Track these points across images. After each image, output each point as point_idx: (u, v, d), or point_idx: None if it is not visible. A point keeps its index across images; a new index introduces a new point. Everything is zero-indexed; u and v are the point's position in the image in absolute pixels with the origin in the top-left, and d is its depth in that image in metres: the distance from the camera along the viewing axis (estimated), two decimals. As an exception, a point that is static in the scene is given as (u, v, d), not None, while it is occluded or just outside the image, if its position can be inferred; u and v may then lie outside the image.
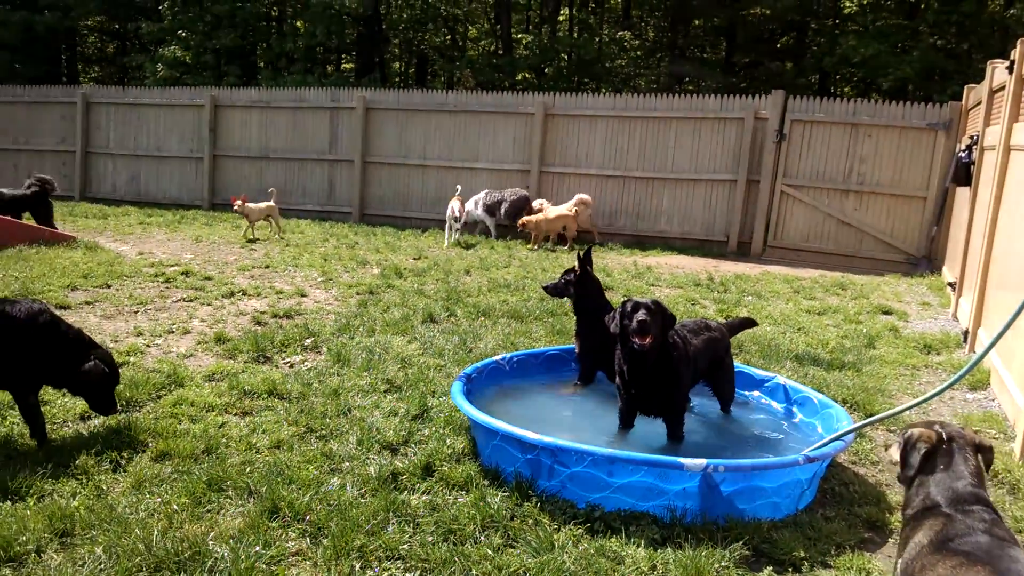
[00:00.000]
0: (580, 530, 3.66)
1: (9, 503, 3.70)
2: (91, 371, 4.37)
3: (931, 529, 2.75)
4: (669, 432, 4.65)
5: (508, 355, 5.65)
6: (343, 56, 31.12)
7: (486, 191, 15.15)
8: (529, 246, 13.68)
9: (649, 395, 4.59)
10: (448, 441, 4.55)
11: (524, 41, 29.83)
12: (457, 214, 13.71)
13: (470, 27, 32.74)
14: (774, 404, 5.45)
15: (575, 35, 28.74)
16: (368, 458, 4.35)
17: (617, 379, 4.68)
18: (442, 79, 33.48)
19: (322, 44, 26.60)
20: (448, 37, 32.18)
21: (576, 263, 5.63)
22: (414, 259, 11.66)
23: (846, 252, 13.85)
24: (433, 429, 4.78)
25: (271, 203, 13.92)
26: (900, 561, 2.82)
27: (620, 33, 29.83)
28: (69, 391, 4.57)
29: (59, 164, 19.50)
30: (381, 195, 16.80)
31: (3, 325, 4.19)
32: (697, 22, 28.89)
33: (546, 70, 27.62)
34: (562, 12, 31.25)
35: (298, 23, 28.39)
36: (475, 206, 14.92)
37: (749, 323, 5.94)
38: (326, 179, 16.88)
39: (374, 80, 25.17)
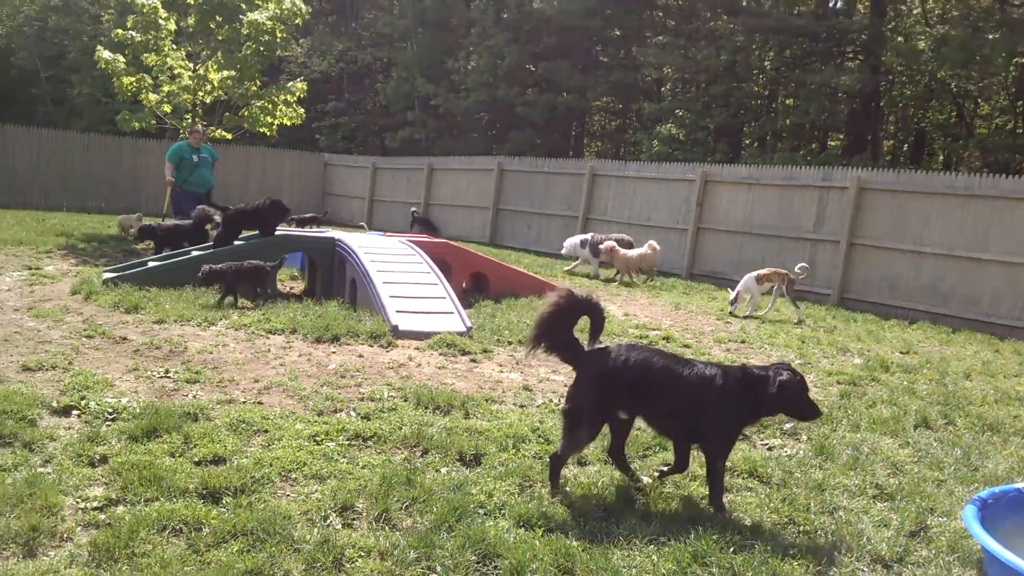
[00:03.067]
0: None
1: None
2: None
3: None
4: None
5: (1033, 484, 4.79)
6: (830, 133, 30.28)
7: (591, 233, 17.74)
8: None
9: None
10: (954, 571, 4.00)
11: (1053, 117, 25.91)
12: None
13: (981, 103, 29.44)
14: None
15: None
16: (856, 568, 4.02)
17: None
18: (941, 159, 30.60)
19: (812, 122, 26.24)
20: (954, 114, 29.36)
21: None
22: (901, 352, 10.68)
23: None
24: (933, 552, 4.26)
25: None
26: None
27: None
28: None
29: (563, 227, 22.13)
30: (866, 279, 15.77)
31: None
32: None
33: (1081, 150, 23.58)
34: (1110, 83, 26.41)
35: (787, 101, 28.42)
36: (582, 245, 17.22)
37: None
38: (806, 258, 16.38)
39: (864, 159, 24.02)
